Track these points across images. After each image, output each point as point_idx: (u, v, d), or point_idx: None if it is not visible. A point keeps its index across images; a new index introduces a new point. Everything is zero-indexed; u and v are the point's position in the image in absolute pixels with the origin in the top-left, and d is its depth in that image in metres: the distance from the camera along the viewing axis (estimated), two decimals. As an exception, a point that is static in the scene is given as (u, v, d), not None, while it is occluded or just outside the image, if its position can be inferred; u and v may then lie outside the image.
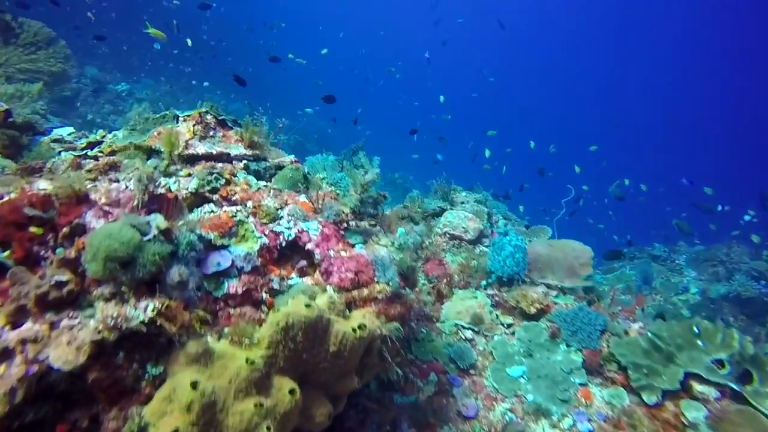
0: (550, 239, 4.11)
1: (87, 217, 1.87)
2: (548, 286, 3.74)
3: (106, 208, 1.93)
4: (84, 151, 2.70)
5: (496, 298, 3.60)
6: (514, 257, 3.59)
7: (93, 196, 1.98)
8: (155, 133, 2.53)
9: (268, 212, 2.31)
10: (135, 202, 1.95)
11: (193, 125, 2.64)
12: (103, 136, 2.94)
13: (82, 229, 1.86)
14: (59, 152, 2.78)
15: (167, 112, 2.74)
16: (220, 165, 2.55)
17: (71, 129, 3.64)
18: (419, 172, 18.59)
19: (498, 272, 3.67)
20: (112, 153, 2.60)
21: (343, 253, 2.29)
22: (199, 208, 2.31)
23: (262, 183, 2.63)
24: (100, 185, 2.15)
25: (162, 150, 2.33)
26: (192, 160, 2.50)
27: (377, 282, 2.20)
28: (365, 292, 2.16)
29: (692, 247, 11.09)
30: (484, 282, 3.75)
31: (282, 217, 2.37)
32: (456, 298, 3.65)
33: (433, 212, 5.48)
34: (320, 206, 2.48)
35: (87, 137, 3.29)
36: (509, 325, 3.46)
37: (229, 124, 2.84)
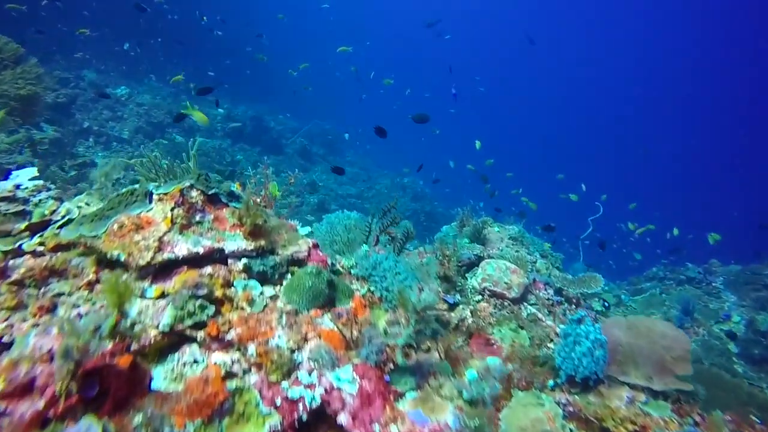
0: (628, 317, 3.28)
1: (-34, 433, 1.09)
2: (631, 386, 2.91)
3: (2, 405, 1.13)
4: (19, 242, 1.91)
5: (570, 408, 2.79)
6: (593, 355, 2.77)
7: (-10, 373, 1.19)
8: (115, 227, 1.73)
9: (280, 361, 1.51)
10: (58, 388, 1.16)
11: (172, 209, 1.83)
12: (53, 212, 2.16)
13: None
14: (-14, 240, 1.99)
15: (137, 187, 1.94)
16: (209, 270, 1.75)
17: (34, 171, 2.82)
18: (426, 176, 17.87)
19: (570, 371, 2.85)
20: (57, 248, 1.82)
21: (393, 429, 1.48)
22: (176, 354, 1.52)
23: (269, 293, 1.83)
24: (15, 331, 1.37)
25: (122, 259, 1.53)
26: (168, 267, 1.70)
27: (450, 487, 1.40)
28: (433, 508, 1.36)
29: (727, 266, 10.20)
30: (551, 382, 2.93)
31: (301, 364, 1.56)
32: (516, 404, 2.83)
33: (469, 262, 4.66)
34: (356, 338, 1.68)
35: (47, 194, 2.51)
36: (589, 449, 2.64)
37: (223, 200, 2.04)
